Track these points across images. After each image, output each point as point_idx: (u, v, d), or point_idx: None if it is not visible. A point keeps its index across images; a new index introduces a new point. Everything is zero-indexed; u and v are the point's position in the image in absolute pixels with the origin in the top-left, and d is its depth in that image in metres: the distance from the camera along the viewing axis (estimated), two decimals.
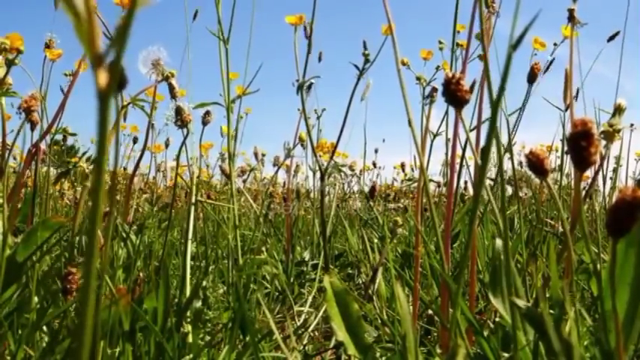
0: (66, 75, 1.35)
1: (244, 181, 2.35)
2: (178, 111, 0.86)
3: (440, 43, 1.42)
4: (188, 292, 0.90)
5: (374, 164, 3.23)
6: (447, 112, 1.36)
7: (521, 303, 0.49)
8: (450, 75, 0.47)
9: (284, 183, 2.69)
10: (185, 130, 0.89)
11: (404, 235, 1.61)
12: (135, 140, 1.98)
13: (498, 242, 0.66)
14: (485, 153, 0.43)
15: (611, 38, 1.22)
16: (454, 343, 0.51)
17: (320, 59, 1.41)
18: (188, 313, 0.83)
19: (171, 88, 0.91)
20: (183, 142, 0.96)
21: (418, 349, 0.61)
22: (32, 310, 0.76)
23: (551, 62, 1.21)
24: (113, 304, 0.72)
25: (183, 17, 1.37)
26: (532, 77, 1.01)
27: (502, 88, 0.40)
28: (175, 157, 1.10)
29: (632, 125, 1.78)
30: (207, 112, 1.01)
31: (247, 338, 0.88)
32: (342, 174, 2.51)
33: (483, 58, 0.50)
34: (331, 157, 1.31)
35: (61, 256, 0.86)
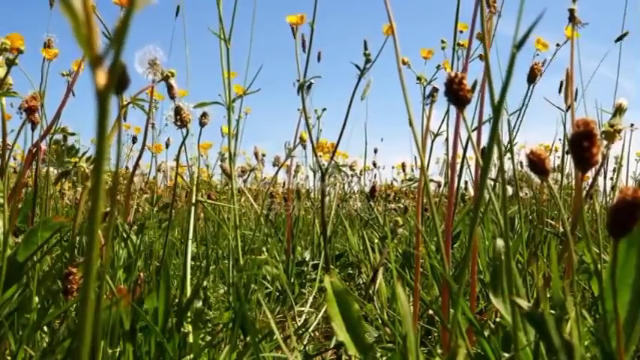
0: (63, 75, 1.35)
1: (245, 181, 2.35)
2: (177, 111, 0.85)
3: (442, 42, 1.42)
4: (189, 292, 0.90)
5: (374, 164, 3.23)
6: (447, 112, 1.36)
7: (522, 303, 0.49)
8: (453, 74, 0.47)
9: (284, 183, 2.69)
10: (185, 130, 0.89)
11: (404, 235, 1.61)
12: (134, 140, 1.97)
13: (499, 242, 0.65)
14: (487, 154, 0.43)
15: (619, 39, 1.21)
16: (455, 343, 0.51)
17: (319, 59, 1.41)
18: (189, 313, 0.83)
19: (170, 88, 0.91)
20: (183, 142, 0.96)
21: (419, 350, 0.61)
22: (33, 310, 0.76)
23: (545, 61, 1.21)
24: (114, 304, 0.72)
25: (183, 16, 1.37)
26: (532, 77, 1.01)
27: (505, 89, 0.40)
28: (175, 157, 1.10)
29: (632, 125, 1.78)
30: (204, 114, 1.00)
31: (248, 338, 0.88)
32: (343, 174, 2.51)
33: (484, 57, 0.49)
34: (331, 157, 1.31)
35: (61, 256, 0.86)
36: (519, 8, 0.41)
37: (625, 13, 1.28)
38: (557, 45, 1.24)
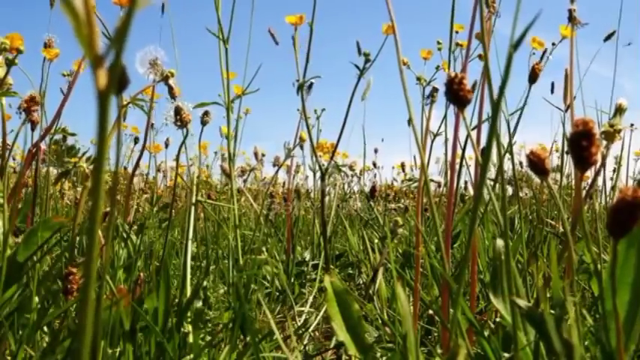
0: (64, 75, 1.35)
1: (244, 181, 2.35)
2: (177, 111, 0.85)
3: (438, 43, 1.42)
4: (189, 292, 0.90)
5: (374, 164, 3.22)
6: (446, 113, 1.36)
7: (521, 303, 0.49)
8: (453, 74, 0.47)
9: (284, 183, 2.69)
10: (185, 129, 0.89)
11: (404, 235, 1.61)
12: (136, 140, 1.98)
13: (499, 242, 0.65)
14: (486, 153, 0.43)
15: (608, 38, 1.21)
16: (455, 343, 0.51)
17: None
18: (189, 313, 0.83)
19: (169, 88, 0.91)
20: (183, 142, 0.96)
21: (419, 350, 0.61)
22: (33, 310, 0.76)
23: (547, 60, 1.21)
24: (114, 304, 0.72)
25: (181, 16, 1.37)
26: (533, 77, 1.01)
27: (503, 88, 0.40)
28: (175, 157, 1.10)
29: (632, 125, 1.78)
30: (206, 112, 1.01)
31: (248, 338, 0.88)
32: (343, 174, 2.51)
33: (484, 57, 0.49)
34: (331, 157, 1.31)
35: (61, 256, 0.86)
36: (516, 8, 0.41)
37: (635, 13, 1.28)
38: (553, 44, 1.23)
